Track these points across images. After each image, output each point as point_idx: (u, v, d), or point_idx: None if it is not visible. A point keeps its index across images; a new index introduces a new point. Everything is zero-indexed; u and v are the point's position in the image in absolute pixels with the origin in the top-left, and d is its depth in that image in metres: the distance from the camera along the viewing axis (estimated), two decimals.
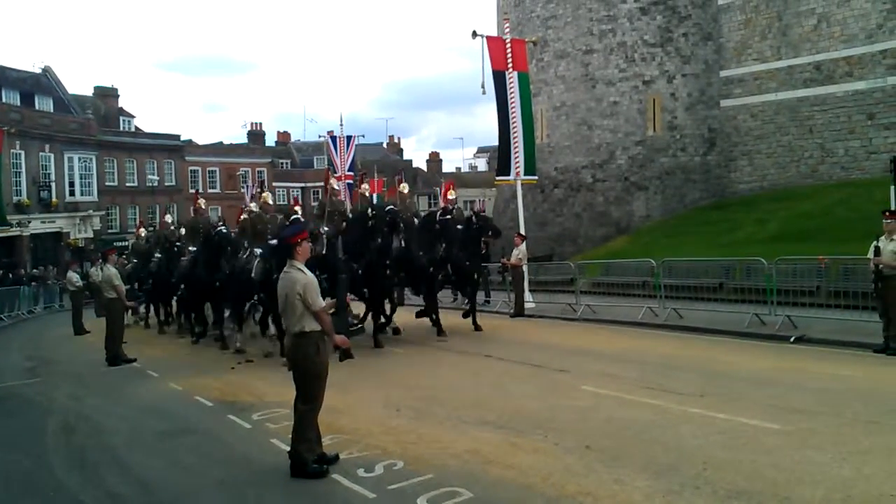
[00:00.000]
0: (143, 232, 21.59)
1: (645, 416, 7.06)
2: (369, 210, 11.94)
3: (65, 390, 10.56)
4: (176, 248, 16.11)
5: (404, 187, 15.62)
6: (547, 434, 6.57)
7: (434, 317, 13.66)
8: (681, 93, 28.82)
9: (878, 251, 9.90)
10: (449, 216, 14.07)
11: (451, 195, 15.14)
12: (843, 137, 25.24)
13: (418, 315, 14.17)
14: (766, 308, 12.49)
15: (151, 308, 19.09)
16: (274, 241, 11.02)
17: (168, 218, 19.45)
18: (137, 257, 20.25)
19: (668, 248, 20.57)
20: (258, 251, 11.92)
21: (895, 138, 23.68)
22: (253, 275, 11.61)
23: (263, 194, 13.45)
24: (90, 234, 38.37)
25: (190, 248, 15.15)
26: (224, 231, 13.37)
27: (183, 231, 17.17)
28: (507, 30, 20.14)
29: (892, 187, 13.72)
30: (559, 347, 11.47)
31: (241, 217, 14.85)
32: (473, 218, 14.08)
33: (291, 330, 5.96)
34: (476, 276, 14.38)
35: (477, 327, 13.84)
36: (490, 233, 14.01)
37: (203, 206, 16.86)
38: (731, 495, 4.99)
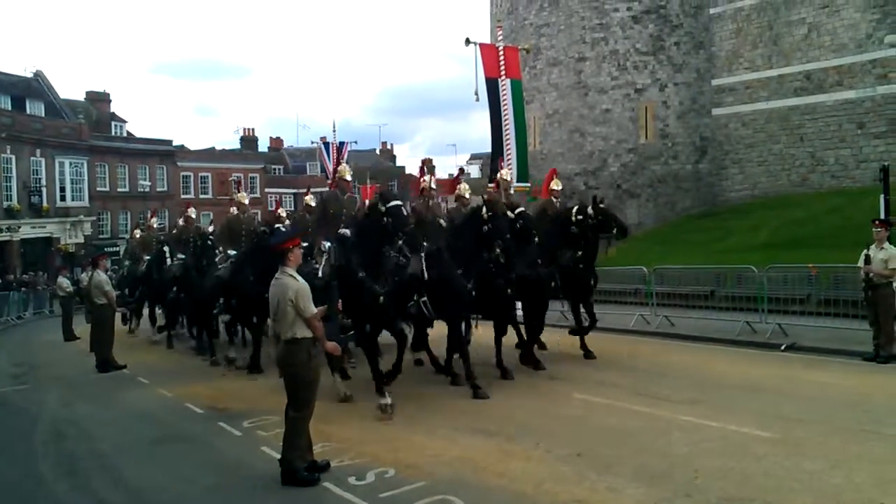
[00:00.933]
0: (138, 233, 19.24)
1: (637, 423, 7.07)
2: (483, 210, 8.99)
3: (54, 396, 10.48)
4: (210, 242, 12.83)
5: (505, 173, 11.88)
6: (539, 442, 6.57)
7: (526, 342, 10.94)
8: (672, 101, 28.99)
9: (868, 259, 9.98)
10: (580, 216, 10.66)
11: (555, 185, 12.15)
12: (834, 146, 25.43)
13: (573, 333, 11.49)
14: (758, 316, 12.54)
15: (134, 315, 17.55)
16: (346, 231, 8.91)
17: (192, 212, 15.86)
18: (147, 257, 16.79)
19: (660, 255, 20.62)
20: (326, 244, 8.96)
21: (885, 147, 23.88)
22: (320, 273, 8.54)
23: (340, 167, 10.15)
24: (81, 240, 38.16)
25: (230, 252, 12.35)
26: (281, 230, 10.85)
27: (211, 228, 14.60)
28: (501, 37, 20.20)
29: (882, 196, 13.82)
30: (551, 355, 11.46)
31: (307, 200, 12.53)
32: (590, 210, 10.61)
33: (283, 336, 5.96)
34: (593, 283, 11.39)
35: (588, 353, 11.12)
36: (615, 230, 10.80)
37: (246, 201, 13.40)
38: (722, 503, 5.01)
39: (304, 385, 5.96)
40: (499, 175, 12.27)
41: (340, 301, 7.51)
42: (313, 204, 12.90)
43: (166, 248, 15.14)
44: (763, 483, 5.32)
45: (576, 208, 10.74)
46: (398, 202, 8.00)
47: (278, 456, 6.00)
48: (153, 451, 7.21)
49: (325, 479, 5.82)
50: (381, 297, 7.91)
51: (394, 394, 8.28)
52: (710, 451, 6.11)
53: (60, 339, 17.92)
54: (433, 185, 10.85)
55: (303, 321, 5.86)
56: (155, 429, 8.08)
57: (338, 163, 10.39)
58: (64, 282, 19.81)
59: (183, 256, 14.14)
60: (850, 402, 7.65)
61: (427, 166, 11.91)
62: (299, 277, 6.01)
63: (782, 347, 11.18)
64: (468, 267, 8.92)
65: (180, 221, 16.67)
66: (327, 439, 6.79)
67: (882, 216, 12.33)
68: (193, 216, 15.85)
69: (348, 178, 9.92)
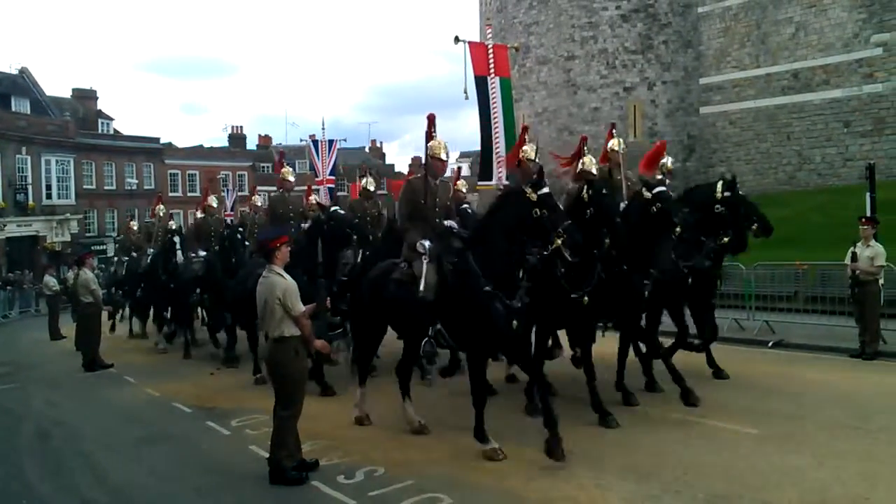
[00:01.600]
0: (135, 225, 18.06)
1: (626, 420, 7.07)
2: (584, 191, 7.11)
3: (40, 396, 10.39)
4: (240, 236, 11.48)
5: (616, 143, 9.25)
6: (528, 439, 6.56)
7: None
8: (661, 99, 29.12)
9: (854, 257, 10.06)
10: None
11: (668, 162, 9.62)
12: (820, 145, 25.63)
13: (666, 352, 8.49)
14: (745, 313, 12.60)
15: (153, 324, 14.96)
16: (452, 224, 7.18)
17: (213, 201, 13.74)
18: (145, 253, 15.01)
19: None
20: (426, 243, 6.73)
21: (870, 146, 24.10)
22: (421, 284, 6.55)
23: (434, 142, 7.38)
24: (67, 238, 37.84)
25: None
26: (341, 213, 8.94)
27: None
28: (490, 35, 20.13)
29: (868, 194, 13.92)
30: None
31: (363, 184, 10.98)
32: (720, 196, 8.35)
33: (271, 335, 5.94)
34: (718, 284, 9.40)
35: (718, 372, 9.04)
36: (756, 224, 8.64)
37: (291, 178, 11.55)
38: (710, 499, 5.03)
39: (292, 383, 5.94)
40: (610, 145, 9.29)
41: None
42: (371, 188, 11.41)
43: (177, 239, 12.90)
44: (751, 479, 5.35)
45: (720, 183, 8.47)
46: (548, 189, 6.05)
47: (266, 455, 5.98)
48: (140, 450, 7.15)
49: (314, 478, 5.80)
50: (515, 323, 6.10)
51: (383, 393, 8.24)
52: (699, 448, 6.13)
53: (46, 338, 17.77)
54: (532, 157, 8.57)
55: (291, 320, 5.84)
56: (142, 428, 8.01)
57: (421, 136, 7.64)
58: (50, 280, 19.65)
59: (205, 252, 12.49)
60: (837, 398, 7.70)
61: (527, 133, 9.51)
62: (287, 275, 5.98)
63: (770, 344, 11.23)
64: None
65: (198, 214, 14.78)
66: (316, 438, 6.76)
67: (868, 214, 12.42)
68: (215, 205, 13.82)
69: (444, 156, 7.38)
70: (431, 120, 7.73)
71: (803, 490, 5.11)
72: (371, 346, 7.76)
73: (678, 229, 7.26)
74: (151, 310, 15.27)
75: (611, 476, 5.52)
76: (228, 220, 15.62)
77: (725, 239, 8.46)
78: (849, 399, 7.65)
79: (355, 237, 8.81)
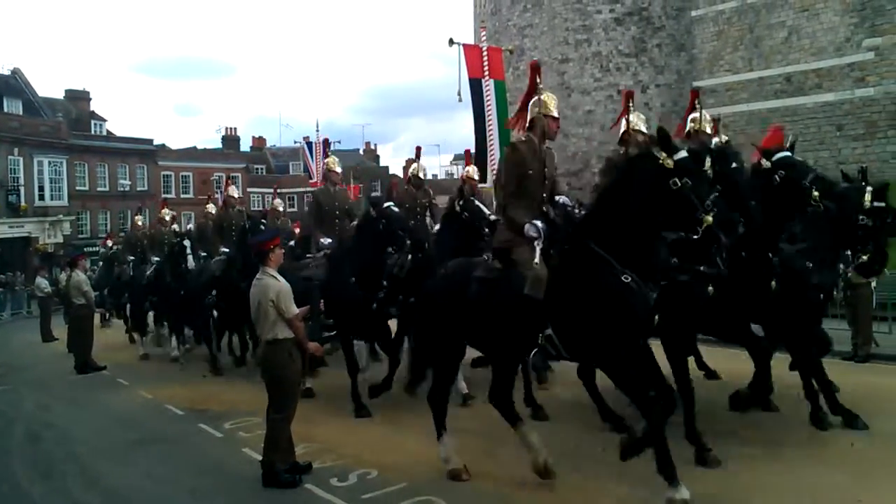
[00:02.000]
0: (140, 220, 16.70)
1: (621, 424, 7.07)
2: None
3: (32, 398, 10.34)
4: (263, 227, 10.28)
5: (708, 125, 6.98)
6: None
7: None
8: (654, 102, 29.22)
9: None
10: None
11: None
12: (813, 148, 25.72)
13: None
14: None
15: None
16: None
17: (234, 192, 12.50)
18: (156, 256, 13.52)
19: None
20: (538, 225, 5.10)
21: (863, 150, 24.22)
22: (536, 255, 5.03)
23: (545, 96, 5.69)
24: (60, 240, 37.69)
25: (324, 241, 8.99)
26: (395, 211, 7.91)
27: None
28: (484, 38, 20.19)
29: None
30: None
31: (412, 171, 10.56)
32: (868, 205, 6.45)
33: (264, 337, 5.93)
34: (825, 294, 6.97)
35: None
36: (891, 218, 6.52)
37: (337, 169, 10.03)
38: (703, 500, 5.03)
39: (286, 386, 5.93)
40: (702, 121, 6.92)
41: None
42: (421, 176, 11.25)
43: (187, 243, 11.88)
44: (743, 480, 5.36)
45: (870, 190, 6.50)
46: (685, 153, 4.62)
47: (259, 457, 5.96)
48: (132, 453, 7.13)
49: (307, 481, 5.79)
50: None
51: (381, 396, 8.20)
52: (692, 451, 6.11)
53: (38, 339, 17.70)
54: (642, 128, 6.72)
55: (284, 322, 5.82)
56: (134, 430, 7.98)
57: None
58: (42, 282, 19.57)
59: (226, 250, 11.21)
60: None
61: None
62: (280, 278, 5.98)
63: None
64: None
65: (209, 208, 13.50)
66: (309, 440, 6.73)
67: None
68: (236, 195, 12.47)
69: (556, 113, 5.65)
70: (536, 69, 5.87)
71: (797, 493, 5.12)
72: (450, 372, 6.16)
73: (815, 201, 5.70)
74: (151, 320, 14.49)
75: (606, 480, 5.50)
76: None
77: (864, 257, 7.01)
78: (842, 402, 7.65)
79: (408, 242, 7.67)
